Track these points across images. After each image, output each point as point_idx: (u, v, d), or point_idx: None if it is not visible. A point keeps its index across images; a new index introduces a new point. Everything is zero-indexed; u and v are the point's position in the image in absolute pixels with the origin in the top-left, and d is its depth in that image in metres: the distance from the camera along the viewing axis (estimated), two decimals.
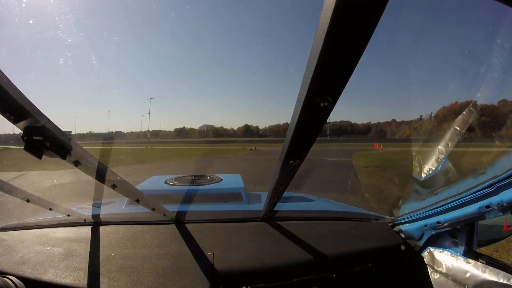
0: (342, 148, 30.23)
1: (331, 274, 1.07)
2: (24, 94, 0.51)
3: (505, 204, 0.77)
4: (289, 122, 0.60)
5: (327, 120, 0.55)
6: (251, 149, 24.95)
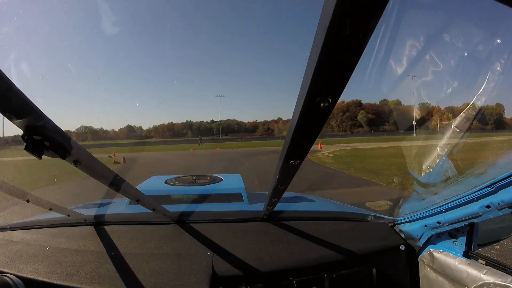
0: (247, 150, 21.28)
1: (331, 274, 1.07)
2: (24, 93, 0.51)
3: (505, 204, 0.77)
4: (174, 122, 0.58)
5: (219, 120, 0.54)
6: (115, 162, 13.48)
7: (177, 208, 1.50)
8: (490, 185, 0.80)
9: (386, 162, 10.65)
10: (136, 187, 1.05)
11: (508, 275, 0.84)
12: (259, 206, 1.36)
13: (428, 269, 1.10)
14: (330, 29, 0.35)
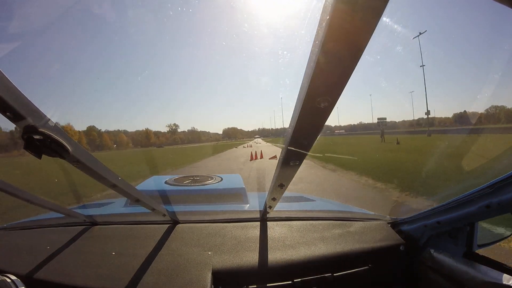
0: None
1: (331, 274, 1.07)
2: (23, 93, 0.51)
3: (505, 204, 0.77)
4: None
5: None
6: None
7: (177, 208, 1.50)
8: (489, 185, 0.80)
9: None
10: (135, 187, 1.05)
11: (508, 275, 0.83)
12: (259, 206, 1.36)
13: (428, 269, 1.10)
14: (330, 29, 0.35)
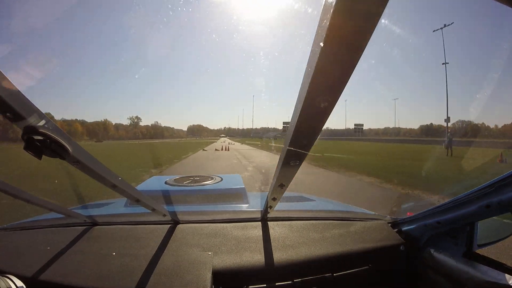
0: None
1: (331, 274, 1.07)
2: (23, 93, 0.51)
3: (505, 204, 0.77)
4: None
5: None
6: None
7: (177, 208, 1.50)
8: (489, 185, 0.80)
9: None
10: (136, 187, 1.05)
11: (508, 275, 0.83)
12: (259, 206, 1.36)
13: (428, 269, 1.10)
14: (330, 29, 0.35)
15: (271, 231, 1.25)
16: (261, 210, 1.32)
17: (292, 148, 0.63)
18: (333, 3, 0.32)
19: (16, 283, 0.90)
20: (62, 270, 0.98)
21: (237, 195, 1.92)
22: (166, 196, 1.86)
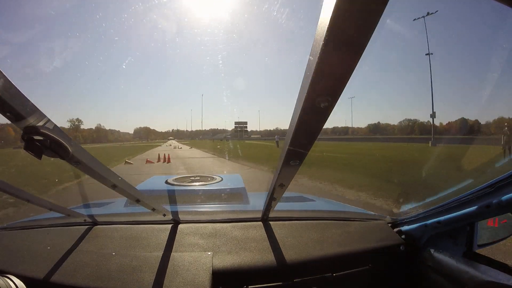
0: None
1: (331, 274, 1.07)
2: (23, 93, 0.51)
3: (505, 204, 0.77)
4: None
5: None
6: None
7: (177, 208, 1.50)
8: (489, 185, 0.80)
9: None
10: (136, 187, 1.05)
11: (508, 275, 0.83)
12: (259, 206, 1.36)
13: (428, 269, 1.10)
14: (330, 29, 0.35)
15: (271, 231, 1.25)
16: (261, 210, 1.32)
17: (292, 148, 0.63)
18: (333, 3, 0.32)
19: (16, 283, 0.90)
20: (62, 270, 0.98)
21: (237, 195, 1.92)
22: (166, 196, 1.86)
